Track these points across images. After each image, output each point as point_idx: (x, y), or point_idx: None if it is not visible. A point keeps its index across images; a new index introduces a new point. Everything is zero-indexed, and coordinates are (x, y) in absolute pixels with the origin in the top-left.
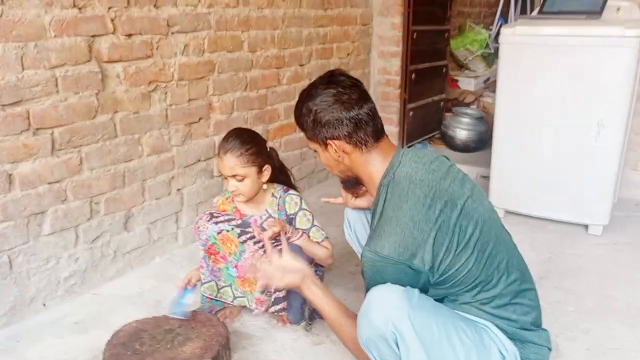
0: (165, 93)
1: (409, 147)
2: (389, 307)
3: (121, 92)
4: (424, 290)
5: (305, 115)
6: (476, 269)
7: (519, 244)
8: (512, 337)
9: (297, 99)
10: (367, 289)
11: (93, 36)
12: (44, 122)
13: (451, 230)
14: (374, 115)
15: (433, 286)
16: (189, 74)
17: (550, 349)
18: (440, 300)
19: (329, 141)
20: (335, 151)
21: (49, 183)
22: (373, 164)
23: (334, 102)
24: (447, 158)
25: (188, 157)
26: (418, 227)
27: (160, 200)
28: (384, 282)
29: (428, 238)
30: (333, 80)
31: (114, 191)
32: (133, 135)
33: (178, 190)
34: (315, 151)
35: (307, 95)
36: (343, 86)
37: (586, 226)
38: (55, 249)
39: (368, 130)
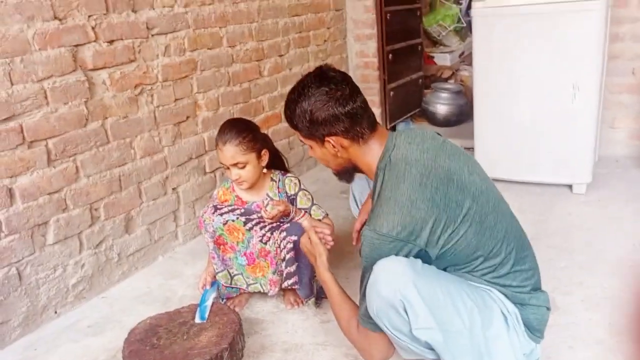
0: (152, 95)
1: (392, 126)
2: (394, 276)
3: (109, 98)
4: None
5: (300, 116)
6: (476, 241)
7: None
8: (512, 301)
9: (281, 93)
10: (364, 268)
11: (76, 46)
12: (38, 135)
13: (448, 205)
14: (366, 107)
15: (434, 261)
16: (173, 74)
17: (549, 309)
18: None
19: (327, 138)
20: (334, 147)
21: (49, 193)
22: (370, 153)
23: (328, 99)
24: (439, 134)
25: (180, 156)
26: (415, 205)
27: (157, 200)
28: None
29: (425, 216)
30: (324, 77)
31: (111, 196)
32: (125, 140)
33: (173, 189)
34: (310, 147)
35: (299, 95)
36: (335, 82)
37: (570, 186)
38: (61, 257)
39: (364, 123)
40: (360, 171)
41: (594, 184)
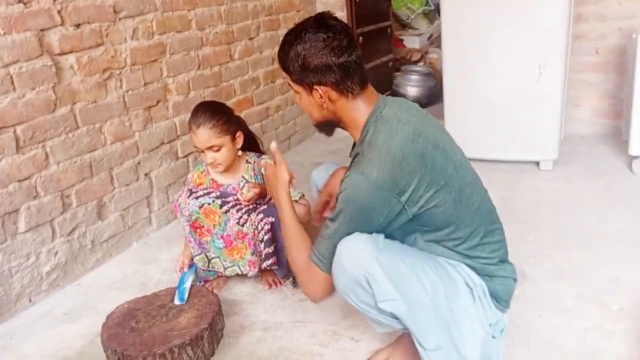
0: (121, 80)
1: None
2: (357, 253)
3: (77, 83)
4: (394, 228)
5: (292, 59)
6: (452, 208)
7: None
8: (479, 273)
9: (252, 77)
10: (339, 211)
11: (42, 30)
12: (5, 121)
13: (434, 168)
14: (360, 63)
15: (409, 221)
16: (142, 58)
17: (515, 280)
18: (411, 235)
19: (315, 87)
20: (321, 97)
21: (19, 181)
22: (358, 110)
23: (324, 47)
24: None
25: (151, 141)
26: (407, 159)
27: (130, 186)
28: (360, 205)
29: (414, 171)
30: (324, 23)
31: (83, 182)
32: (94, 125)
33: (146, 174)
34: (297, 93)
35: (295, 37)
36: (334, 31)
37: (537, 163)
38: (33, 245)
39: (355, 79)
40: (342, 126)
41: (560, 160)
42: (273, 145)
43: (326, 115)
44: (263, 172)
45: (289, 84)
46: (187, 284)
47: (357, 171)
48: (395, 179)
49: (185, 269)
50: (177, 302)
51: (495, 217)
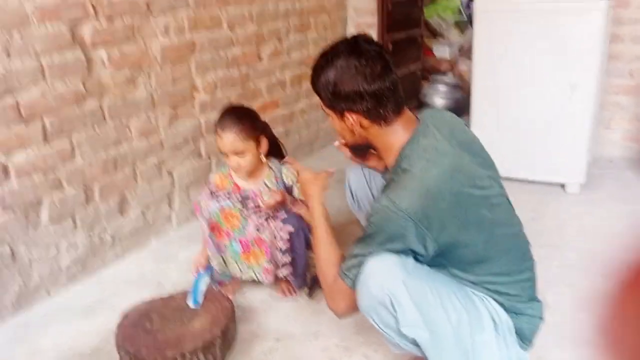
0: (150, 76)
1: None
2: (385, 275)
3: (107, 77)
4: (419, 260)
5: (323, 84)
6: (483, 249)
7: None
8: (507, 310)
9: (279, 80)
10: (368, 232)
11: (75, 21)
12: (34, 111)
13: (469, 207)
14: (395, 89)
15: (436, 256)
16: (172, 55)
17: (542, 319)
18: (438, 267)
19: (346, 113)
20: (352, 124)
21: (44, 172)
22: (392, 136)
23: (356, 74)
24: (465, 124)
25: (176, 139)
26: (441, 195)
27: (152, 183)
28: (388, 233)
29: (446, 208)
30: (357, 48)
31: (106, 176)
32: (121, 120)
33: (168, 172)
34: (328, 115)
35: (327, 62)
36: (367, 57)
37: (564, 185)
38: (54, 237)
39: (389, 106)
40: (376, 150)
41: (587, 184)
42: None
43: (358, 140)
44: (287, 180)
45: (321, 107)
46: (203, 287)
47: (388, 198)
48: (425, 212)
49: (202, 270)
50: (191, 305)
51: (527, 254)
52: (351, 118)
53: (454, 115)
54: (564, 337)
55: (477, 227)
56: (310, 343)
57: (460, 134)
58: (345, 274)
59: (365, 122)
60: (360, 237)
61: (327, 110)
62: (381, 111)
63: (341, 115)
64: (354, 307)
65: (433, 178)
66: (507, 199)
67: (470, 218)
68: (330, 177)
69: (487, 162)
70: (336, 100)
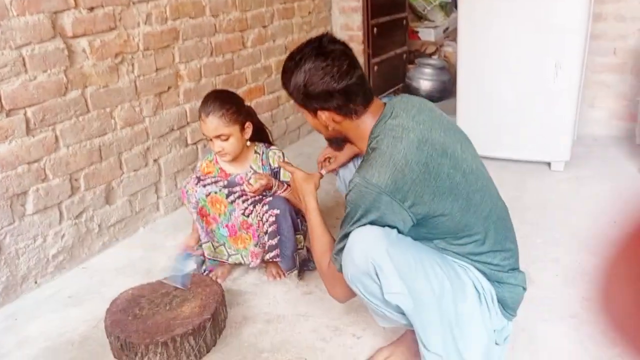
0: (132, 64)
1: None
2: (368, 244)
3: (89, 67)
4: (400, 232)
5: (294, 87)
6: (460, 216)
7: None
8: (490, 279)
9: (264, 65)
10: (347, 213)
11: (55, 12)
12: (16, 103)
13: (439, 175)
14: (362, 83)
15: (415, 226)
16: (154, 43)
17: (525, 289)
18: (421, 240)
19: (319, 112)
20: (325, 120)
21: (28, 163)
22: (364, 125)
23: (324, 75)
24: (435, 106)
25: (161, 127)
26: (409, 165)
27: (138, 171)
28: (364, 208)
29: (416, 178)
30: (322, 50)
31: (92, 166)
32: (105, 109)
33: (154, 160)
34: (303, 113)
35: (295, 65)
36: (332, 57)
37: (549, 163)
38: (40, 227)
39: (358, 100)
40: (350, 141)
41: (572, 161)
42: (324, 171)
43: (333, 134)
44: (274, 163)
45: (295, 108)
46: (188, 268)
47: (360, 175)
48: (397, 184)
49: (189, 251)
50: (169, 279)
51: (508, 224)
52: (324, 115)
53: (423, 99)
54: (549, 311)
55: (452, 194)
56: (301, 324)
57: (428, 112)
58: (335, 258)
59: (338, 117)
60: (342, 220)
61: (301, 110)
62: (351, 106)
63: (314, 113)
64: (351, 290)
65: (400, 151)
66: (483, 168)
67: (442, 186)
68: (321, 177)
69: (457, 134)
70: (308, 100)
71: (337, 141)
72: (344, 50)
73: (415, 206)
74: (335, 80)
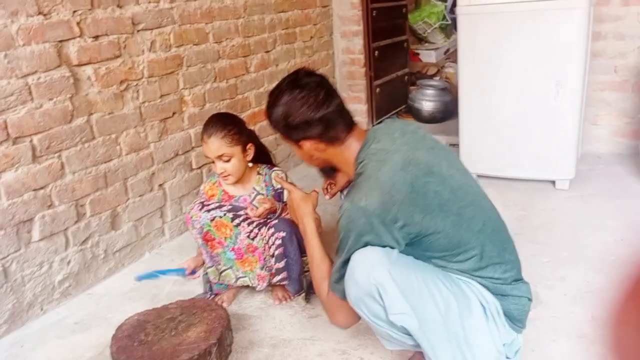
0: (137, 91)
1: (378, 122)
2: (370, 265)
3: (94, 94)
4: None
5: (275, 121)
6: (453, 232)
7: None
8: (493, 292)
9: (267, 89)
10: (340, 240)
11: (61, 41)
12: (22, 131)
13: (426, 194)
14: (342, 111)
15: (410, 246)
16: (159, 70)
17: (530, 299)
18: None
19: (301, 142)
20: (309, 150)
21: (34, 190)
22: (348, 151)
23: (301, 105)
24: (419, 128)
25: (166, 152)
26: (396, 187)
27: (144, 197)
28: (356, 233)
29: (404, 199)
30: (298, 83)
31: (97, 192)
32: (110, 136)
33: (160, 185)
34: (290, 146)
35: (275, 99)
36: (309, 89)
37: (553, 182)
38: (46, 254)
39: (339, 127)
40: (339, 168)
41: (576, 180)
42: (327, 197)
43: (319, 163)
44: (277, 184)
45: (282, 139)
46: (164, 275)
47: (348, 200)
48: (385, 206)
49: (190, 271)
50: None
51: (505, 236)
52: (307, 145)
53: (406, 121)
54: (557, 331)
55: (442, 211)
56: (307, 348)
57: (411, 134)
58: (334, 287)
59: (321, 145)
60: (337, 248)
61: (286, 142)
62: (332, 133)
63: (298, 144)
64: (352, 317)
65: (385, 174)
66: (472, 183)
67: (431, 204)
68: (318, 195)
69: (442, 152)
70: (290, 132)
71: (326, 169)
72: (320, 81)
73: (406, 226)
74: (312, 110)
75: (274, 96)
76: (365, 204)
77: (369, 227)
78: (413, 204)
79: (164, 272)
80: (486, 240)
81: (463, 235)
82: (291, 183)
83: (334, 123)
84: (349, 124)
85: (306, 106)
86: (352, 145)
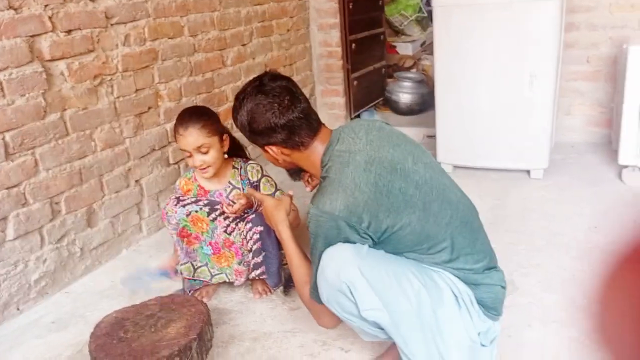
0: (112, 86)
1: (356, 115)
2: (339, 263)
3: (67, 90)
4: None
5: (240, 126)
6: (420, 227)
7: (468, 195)
8: (465, 282)
9: (241, 84)
10: (311, 245)
11: (32, 36)
12: None
13: (391, 192)
14: (307, 115)
15: (381, 243)
16: (133, 64)
17: (504, 287)
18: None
19: (266, 147)
20: (275, 154)
21: (7, 188)
22: (314, 154)
23: (265, 112)
24: (387, 123)
25: (142, 148)
26: (359, 188)
27: (120, 193)
28: (324, 236)
29: (368, 199)
30: (261, 89)
31: (72, 189)
32: (84, 132)
33: (136, 181)
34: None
35: (239, 104)
36: (273, 94)
37: (528, 171)
38: (21, 253)
39: (302, 133)
40: (305, 170)
41: (550, 169)
42: (291, 192)
43: (286, 165)
44: (253, 177)
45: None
46: (149, 284)
47: (314, 205)
48: (349, 208)
49: (173, 271)
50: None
51: (474, 225)
52: (272, 150)
53: (373, 119)
54: (533, 317)
55: (407, 208)
56: (288, 340)
57: (376, 132)
58: (314, 292)
59: (286, 150)
60: (310, 254)
61: (253, 145)
62: (297, 139)
63: (264, 148)
64: (336, 321)
65: (347, 176)
66: (439, 176)
67: (396, 201)
68: (292, 198)
69: (409, 147)
70: (255, 137)
71: (293, 171)
72: (286, 85)
73: (372, 225)
74: (276, 116)
75: (239, 101)
76: (330, 208)
77: (336, 231)
78: (378, 203)
79: (150, 276)
80: (455, 233)
81: (431, 230)
82: (256, 191)
83: (299, 128)
84: (314, 128)
85: (270, 112)
86: (317, 149)
